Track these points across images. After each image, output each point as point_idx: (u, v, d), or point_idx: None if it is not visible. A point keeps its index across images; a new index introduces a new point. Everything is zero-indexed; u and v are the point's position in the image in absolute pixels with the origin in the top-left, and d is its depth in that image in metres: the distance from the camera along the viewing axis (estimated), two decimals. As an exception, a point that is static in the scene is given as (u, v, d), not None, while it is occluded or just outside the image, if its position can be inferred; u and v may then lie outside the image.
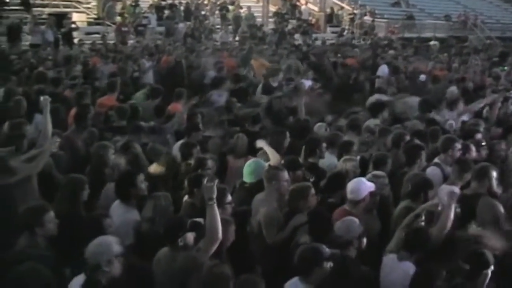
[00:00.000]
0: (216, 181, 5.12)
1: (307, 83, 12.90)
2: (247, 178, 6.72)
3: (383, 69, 16.36)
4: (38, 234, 5.10)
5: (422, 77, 15.03)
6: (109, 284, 4.44)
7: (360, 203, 5.99)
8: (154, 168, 7.07)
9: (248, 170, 6.73)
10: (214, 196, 4.95)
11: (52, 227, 5.16)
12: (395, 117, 9.98)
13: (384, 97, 11.46)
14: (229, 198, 5.79)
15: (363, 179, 6.24)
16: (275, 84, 12.83)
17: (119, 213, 5.93)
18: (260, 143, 7.44)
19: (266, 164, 6.87)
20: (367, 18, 32.90)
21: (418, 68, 16.60)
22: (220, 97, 11.79)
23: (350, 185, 6.09)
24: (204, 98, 11.98)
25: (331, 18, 33.34)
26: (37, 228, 5.09)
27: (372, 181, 6.23)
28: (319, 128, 8.76)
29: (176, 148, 7.86)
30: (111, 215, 5.84)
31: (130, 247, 5.61)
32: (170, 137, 8.80)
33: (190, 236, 5.00)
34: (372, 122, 9.24)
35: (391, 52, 21.00)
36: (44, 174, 6.64)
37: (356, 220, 5.35)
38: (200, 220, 5.06)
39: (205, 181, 5.14)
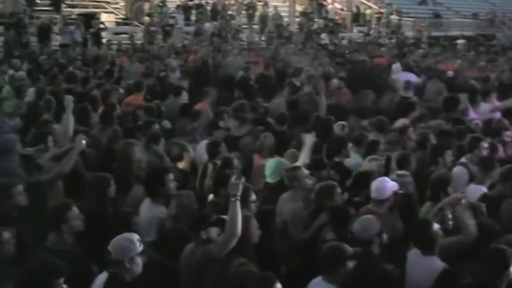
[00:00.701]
0: (243, 179, 5.14)
1: (334, 82, 12.90)
2: (269, 178, 6.74)
3: (397, 68, 16.27)
4: (64, 231, 5.16)
5: (450, 73, 14.88)
6: (132, 280, 4.47)
7: (384, 202, 5.95)
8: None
9: (270, 170, 6.75)
10: (239, 193, 4.99)
11: (77, 223, 5.21)
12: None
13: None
14: (254, 197, 5.81)
15: (387, 179, 6.21)
16: (298, 83, 12.81)
17: (147, 210, 6.01)
18: (308, 138, 7.37)
19: (287, 163, 6.87)
20: (394, 17, 32.69)
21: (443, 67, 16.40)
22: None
23: (374, 184, 6.07)
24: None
25: (358, 17, 33.18)
26: (62, 225, 5.15)
27: (395, 180, 6.20)
28: (336, 127, 8.69)
29: (202, 147, 7.88)
30: (141, 212, 5.92)
31: (153, 244, 5.68)
32: (198, 137, 8.83)
33: (213, 231, 5.06)
34: (401, 122, 9.17)
35: (420, 51, 20.81)
36: (72, 172, 6.66)
37: (373, 217, 5.32)
38: (225, 217, 5.10)
39: (232, 178, 5.16)
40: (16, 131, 8.92)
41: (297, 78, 13.11)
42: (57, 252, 4.74)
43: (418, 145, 7.97)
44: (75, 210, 5.24)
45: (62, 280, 4.15)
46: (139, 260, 4.51)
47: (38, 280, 4.13)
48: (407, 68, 15.44)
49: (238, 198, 4.98)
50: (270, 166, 6.78)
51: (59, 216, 5.20)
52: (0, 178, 6.35)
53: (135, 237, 4.57)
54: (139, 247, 4.51)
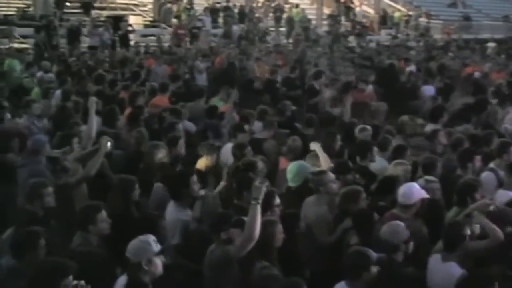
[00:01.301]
0: (267, 183, 5.15)
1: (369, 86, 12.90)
2: (290, 182, 6.72)
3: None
4: (91, 232, 5.21)
5: (477, 74, 14.74)
6: (152, 282, 4.48)
7: (411, 207, 5.91)
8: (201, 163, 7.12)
9: (291, 174, 6.73)
10: (261, 197, 4.99)
11: (104, 226, 5.26)
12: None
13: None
14: (278, 200, 5.80)
15: (415, 184, 6.16)
16: (318, 87, 12.77)
17: (172, 213, 6.02)
18: (314, 146, 7.41)
19: (309, 166, 6.85)
20: (423, 19, 32.41)
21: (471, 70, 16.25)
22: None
23: (402, 189, 6.02)
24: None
25: (385, 20, 32.96)
26: (90, 226, 5.20)
27: (423, 186, 6.16)
28: (360, 132, 8.56)
29: (227, 149, 7.90)
30: (166, 215, 5.97)
31: (178, 247, 5.70)
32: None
33: (234, 232, 5.08)
34: (431, 127, 9.08)
35: (450, 54, 20.61)
36: (98, 174, 6.75)
37: (402, 224, 5.27)
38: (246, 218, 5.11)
39: (256, 182, 5.17)
40: (45, 133, 9.07)
41: (317, 81, 13.10)
42: (82, 253, 4.77)
43: (451, 149, 7.88)
44: (104, 213, 5.28)
45: (70, 278, 4.13)
46: (158, 261, 4.51)
47: (46, 281, 4.12)
48: (429, 74, 15.32)
49: (259, 201, 4.99)
50: (291, 169, 6.77)
51: (88, 217, 5.25)
52: (29, 179, 6.48)
53: (150, 238, 4.57)
54: (156, 248, 4.50)
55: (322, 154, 7.21)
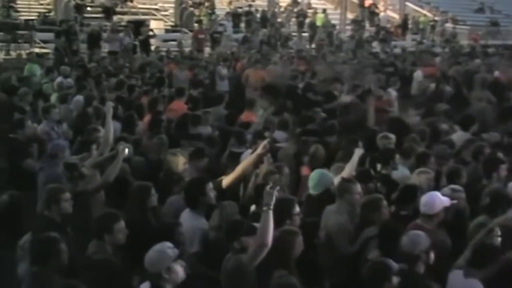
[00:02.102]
0: (278, 188, 5.14)
1: (393, 92, 12.85)
2: (312, 189, 6.70)
3: (418, 75, 16.04)
4: (106, 241, 5.21)
5: (496, 73, 14.60)
6: None
7: (433, 217, 5.86)
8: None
9: (313, 182, 6.70)
10: (272, 203, 4.99)
11: (121, 237, 5.25)
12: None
13: None
14: (298, 209, 5.79)
15: (437, 193, 6.11)
16: (336, 92, 12.74)
17: (188, 221, 5.99)
18: (357, 152, 7.31)
19: (331, 175, 6.84)
20: (449, 25, 32.21)
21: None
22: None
23: (424, 198, 5.97)
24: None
25: (406, 25, 32.71)
26: (106, 235, 5.21)
27: (449, 195, 6.10)
28: (380, 140, 8.50)
29: (246, 156, 7.88)
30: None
31: (196, 255, 5.71)
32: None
33: (247, 240, 5.08)
34: (461, 135, 9.01)
35: (477, 61, 20.42)
36: (119, 180, 6.75)
37: (423, 234, 5.23)
38: (258, 225, 5.12)
39: (267, 187, 5.17)
40: (65, 138, 9.17)
41: (334, 87, 13.07)
42: (98, 261, 4.77)
43: (472, 158, 7.82)
44: (122, 223, 5.27)
45: None
46: (178, 267, 4.50)
47: None
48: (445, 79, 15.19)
49: (271, 207, 4.98)
50: (313, 177, 6.75)
51: (105, 226, 5.25)
52: (47, 183, 6.55)
53: (166, 245, 4.56)
54: (173, 254, 4.49)
55: (355, 162, 7.17)
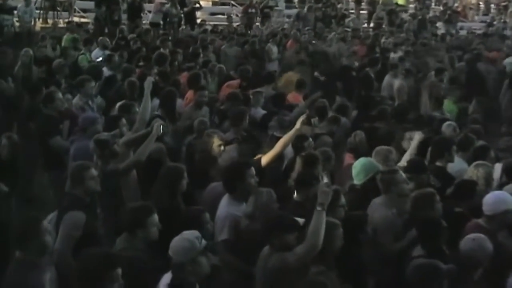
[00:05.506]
0: (334, 187, 5.10)
1: None
2: (355, 179, 6.63)
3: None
4: (139, 237, 5.08)
5: None
6: (198, 281, 4.43)
7: (496, 217, 5.70)
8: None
9: (356, 170, 6.64)
10: (327, 203, 4.96)
11: (154, 231, 5.10)
12: None
13: None
14: (343, 200, 5.75)
15: (506, 193, 5.95)
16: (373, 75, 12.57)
17: (224, 207, 5.99)
18: (416, 136, 7.28)
19: (376, 163, 6.75)
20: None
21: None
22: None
23: (489, 197, 5.84)
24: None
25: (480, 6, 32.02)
26: (138, 231, 5.08)
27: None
28: (447, 128, 8.42)
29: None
30: (218, 209, 5.97)
31: (226, 243, 5.70)
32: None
33: (290, 238, 5.02)
34: None
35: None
36: (152, 160, 6.76)
37: (487, 238, 5.12)
38: (301, 220, 5.05)
39: (322, 183, 5.12)
40: (100, 112, 9.26)
41: (372, 69, 12.93)
42: (125, 259, 4.60)
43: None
44: (155, 217, 5.12)
45: (119, 271, 4.12)
46: (204, 260, 4.50)
47: (93, 272, 4.07)
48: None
49: (325, 208, 4.95)
50: (356, 165, 6.70)
51: (138, 220, 5.09)
52: (75, 158, 6.62)
53: (194, 235, 4.56)
54: (200, 245, 4.50)
55: (414, 148, 7.06)
